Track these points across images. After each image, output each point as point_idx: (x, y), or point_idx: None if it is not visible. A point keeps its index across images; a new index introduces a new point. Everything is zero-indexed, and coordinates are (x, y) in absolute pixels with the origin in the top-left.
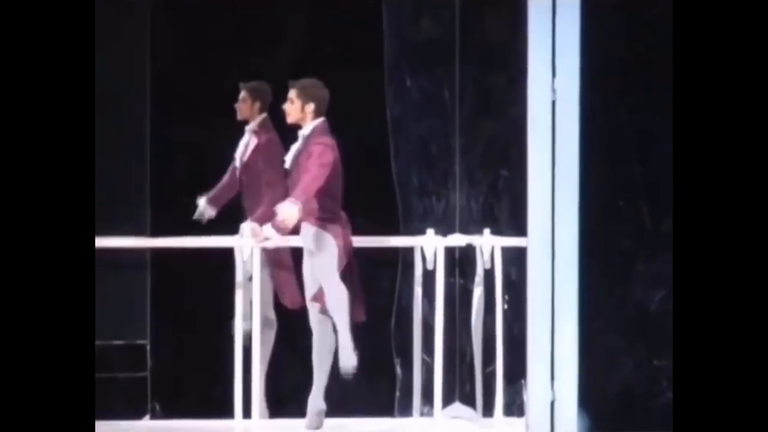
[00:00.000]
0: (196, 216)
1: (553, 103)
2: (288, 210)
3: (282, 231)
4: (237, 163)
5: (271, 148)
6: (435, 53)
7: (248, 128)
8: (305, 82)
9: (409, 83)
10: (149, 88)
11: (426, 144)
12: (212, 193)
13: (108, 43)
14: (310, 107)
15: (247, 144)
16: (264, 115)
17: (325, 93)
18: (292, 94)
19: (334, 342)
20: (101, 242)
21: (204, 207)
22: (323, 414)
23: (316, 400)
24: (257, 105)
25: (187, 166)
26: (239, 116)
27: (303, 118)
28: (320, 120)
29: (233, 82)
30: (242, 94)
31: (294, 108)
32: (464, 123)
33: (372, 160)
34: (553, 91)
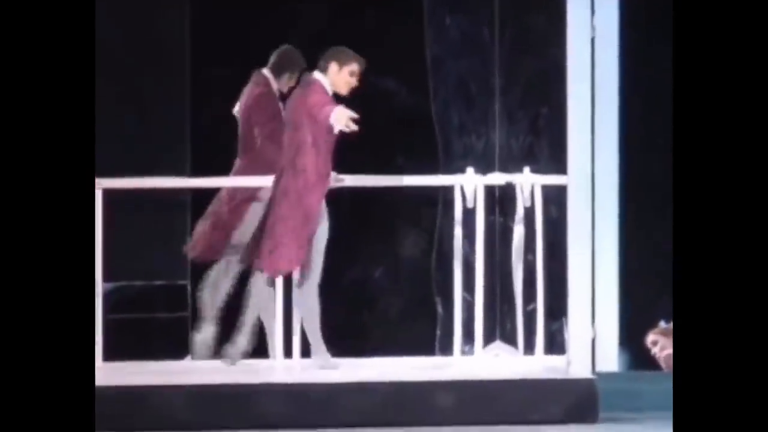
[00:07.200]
0: None
1: (593, 40)
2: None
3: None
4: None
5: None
6: None
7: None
8: None
9: (448, 22)
10: (189, 29)
11: (466, 83)
12: None
13: None
14: None
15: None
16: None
17: None
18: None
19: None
20: (141, 182)
21: None
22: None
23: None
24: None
25: (228, 106)
26: None
27: None
28: None
29: (272, 22)
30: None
31: None
32: (504, 61)
33: (412, 99)
34: (593, 28)
